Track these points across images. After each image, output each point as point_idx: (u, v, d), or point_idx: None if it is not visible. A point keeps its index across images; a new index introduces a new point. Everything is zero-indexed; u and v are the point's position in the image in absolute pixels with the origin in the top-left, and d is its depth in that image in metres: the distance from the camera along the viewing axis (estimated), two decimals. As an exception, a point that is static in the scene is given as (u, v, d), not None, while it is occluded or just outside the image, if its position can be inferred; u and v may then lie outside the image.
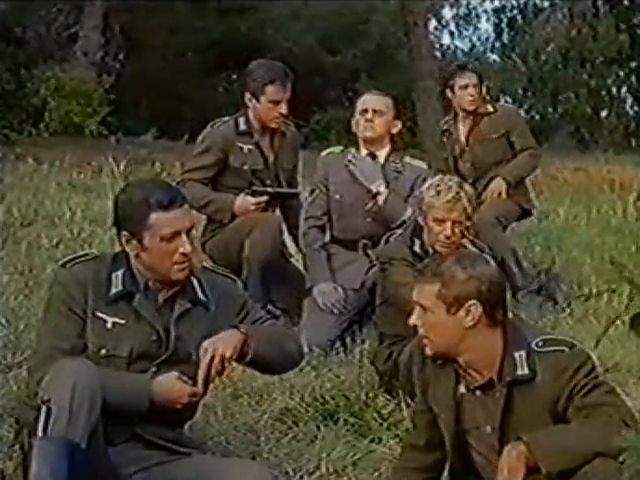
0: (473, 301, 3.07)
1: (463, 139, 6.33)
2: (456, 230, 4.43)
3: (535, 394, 3.07)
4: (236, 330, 3.27)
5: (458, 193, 4.42)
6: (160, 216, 3.18)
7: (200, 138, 5.44)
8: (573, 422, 3.02)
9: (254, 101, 5.31)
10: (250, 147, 5.34)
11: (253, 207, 5.26)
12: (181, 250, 3.20)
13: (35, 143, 11.11)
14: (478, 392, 3.16)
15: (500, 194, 6.14)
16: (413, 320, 3.15)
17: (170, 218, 3.19)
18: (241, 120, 5.36)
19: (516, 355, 3.10)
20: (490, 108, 6.35)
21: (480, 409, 3.16)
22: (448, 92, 6.37)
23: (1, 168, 8.51)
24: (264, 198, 5.29)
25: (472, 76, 6.30)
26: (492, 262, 3.22)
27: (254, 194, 5.28)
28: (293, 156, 5.53)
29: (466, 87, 6.25)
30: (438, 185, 4.44)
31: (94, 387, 3.03)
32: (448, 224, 4.41)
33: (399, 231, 5.04)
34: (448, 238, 4.42)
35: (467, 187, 4.55)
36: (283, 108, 5.28)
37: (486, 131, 6.29)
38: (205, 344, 3.21)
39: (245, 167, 5.33)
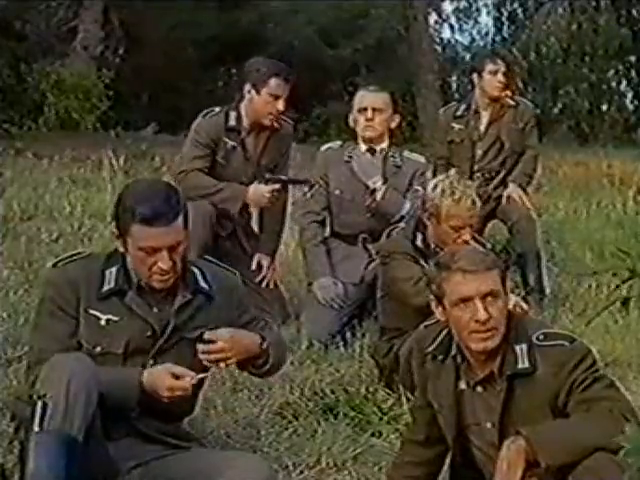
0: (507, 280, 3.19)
1: (483, 127, 6.34)
2: (471, 232, 4.41)
3: (535, 388, 3.07)
4: (259, 339, 3.32)
5: (473, 199, 4.38)
6: (141, 229, 3.15)
7: (193, 129, 5.33)
8: (573, 416, 3.01)
9: (253, 92, 5.21)
10: (234, 144, 5.26)
11: (267, 195, 5.21)
12: (159, 264, 3.18)
13: (35, 138, 11.10)
14: (479, 388, 3.16)
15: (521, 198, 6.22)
16: (484, 315, 3.05)
17: (150, 234, 3.15)
18: (232, 115, 5.28)
19: (517, 348, 3.10)
20: (510, 101, 6.36)
21: (480, 405, 3.16)
22: (475, 77, 6.36)
23: (1, 162, 8.51)
24: (277, 186, 5.23)
25: (502, 64, 6.33)
26: None
27: (267, 182, 5.23)
28: (278, 155, 5.38)
29: (495, 73, 6.27)
30: (453, 192, 4.36)
31: (90, 381, 3.02)
32: (467, 229, 4.38)
33: (401, 225, 5.03)
34: (466, 242, 4.39)
35: (473, 185, 4.52)
36: (281, 105, 5.20)
37: (510, 121, 6.32)
38: (225, 333, 3.24)
39: (223, 162, 5.25)
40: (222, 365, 3.28)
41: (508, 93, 6.35)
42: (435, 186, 4.46)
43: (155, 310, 3.27)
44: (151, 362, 3.25)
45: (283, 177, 5.33)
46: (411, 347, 3.66)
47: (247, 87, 5.25)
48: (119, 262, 3.28)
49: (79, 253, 3.42)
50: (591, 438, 2.92)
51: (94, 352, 3.22)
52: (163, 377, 3.18)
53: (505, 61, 6.45)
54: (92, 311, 3.24)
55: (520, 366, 3.09)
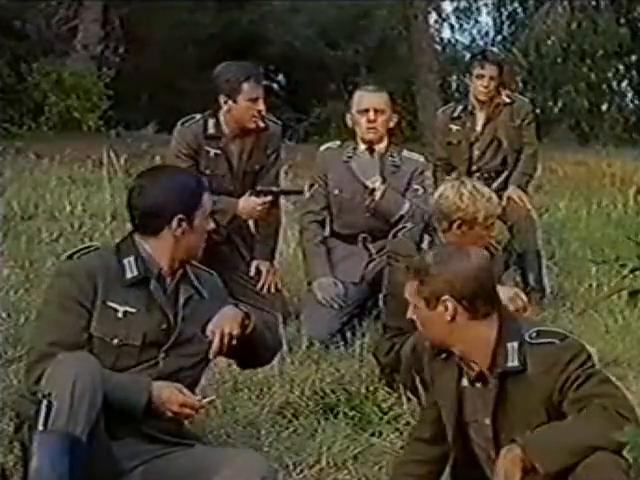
0: (446, 296, 3.09)
1: (479, 128, 6.35)
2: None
3: (527, 386, 3.06)
4: (233, 307, 3.38)
5: (491, 194, 4.40)
6: (207, 197, 3.39)
7: (173, 138, 5.29)
8: (568, 417, 3.00)
9: (230, 102, 5.12)
10: (217, 152, 5.19)
11: (259, 207, 5.16)
12: (208, 228, 3.41)
13: (35, 137, 11.11)
14: (478, 385, 3.16)
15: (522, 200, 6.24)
16: (408, 314, 3.21)
17: (210, 199, 3.42)
18: (210, 123, 5.20)
19: (509, 346, 3.10)
20: (506, 99, 6.37)
21: (479, 402, 3.16)
22: (467, 79, 6.43)
23: (1, 162, 8.52)
24: (269, 198, 5.17)
25: (490, 68, 6.29)
26: (474, 257, 3.16)
27: (258, 194, 5.17)
28: (265, 157, 5.28)
29: (482, 77, 6.26)
30: (483, 194, 4.33)
31: (95, 381, 3.03)
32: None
33: (408, 225, 4.98)
34: (492, 237, 4.46)
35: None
36: (260, 105, 5.12)
37: (507, 119, 6.34)
38: (211, 326, 3.29)
39: (207, 171, 5.16)
40: (233, 342, 3.31)
41: (500, 94, 6.35)
42: (461, 195, 4.34)
43: (168, 301, 3.31)
44: (162, 355, 3.28)
45: (274, 189, 5.25)
46: (414, 344, 3.66)
47: (222, 98, 5.16)
48: (134, 252, 3.30)
49: (90, 246, 3.42)
50: (587, 439, 2.92)
51: (111, 344, 3.23)
52: (174, 393, 3.21)
53: (498, 64, 6.40)
54: (110, 303, 3.24)
55: (509, 364, 3.08)
